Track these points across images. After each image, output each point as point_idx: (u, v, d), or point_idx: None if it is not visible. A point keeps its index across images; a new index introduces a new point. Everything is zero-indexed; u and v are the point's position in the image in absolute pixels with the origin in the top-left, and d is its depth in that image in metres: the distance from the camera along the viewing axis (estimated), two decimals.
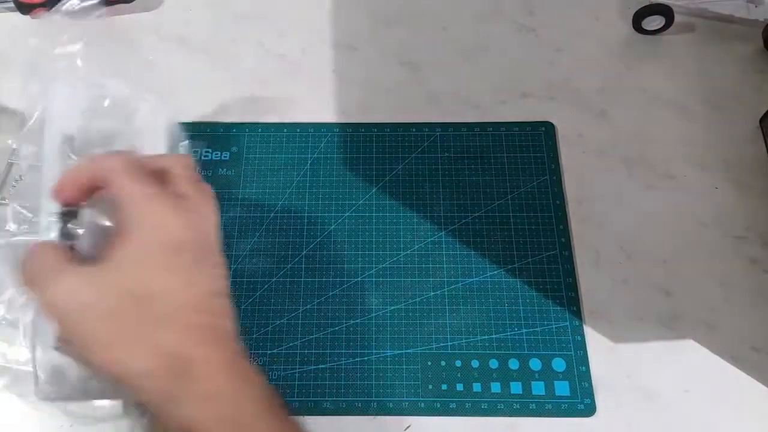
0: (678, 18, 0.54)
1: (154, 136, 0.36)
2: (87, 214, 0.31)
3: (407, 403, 0.42)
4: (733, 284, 0.45)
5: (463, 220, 0.48)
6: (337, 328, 0.44)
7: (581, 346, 0.43)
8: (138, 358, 0.27)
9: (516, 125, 0.52)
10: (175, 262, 0.28)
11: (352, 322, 0.44)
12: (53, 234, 0.31)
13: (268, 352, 0.43)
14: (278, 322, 0.44)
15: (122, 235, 0.28)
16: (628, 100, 0.53)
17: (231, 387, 0.28)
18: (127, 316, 0.27)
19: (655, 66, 0.55)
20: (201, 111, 0.53)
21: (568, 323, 0.44)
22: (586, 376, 0.42)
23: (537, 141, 0.51)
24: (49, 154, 0.34)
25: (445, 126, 0.52)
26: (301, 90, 0.54)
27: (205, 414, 0.27)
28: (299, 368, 0.43)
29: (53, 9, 0.37)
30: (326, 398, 0.42)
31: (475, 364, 0.43)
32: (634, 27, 0.56)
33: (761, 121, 0.51)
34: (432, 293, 0.45)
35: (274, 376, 0.42)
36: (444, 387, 0.42)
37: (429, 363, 0.43)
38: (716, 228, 0.47)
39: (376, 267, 0.46)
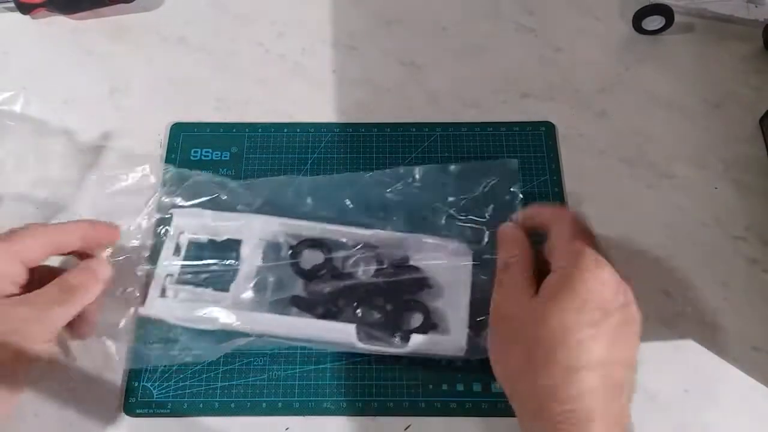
0: (678, 18, 0.54)
1: None
2: None
3: (408, 403, 0.42)
4: (733, 284, 0.45)
5: None
6: None
7: None
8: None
9: (516, 125, 0.52)
10: None
11: None
12: None
13: (269, 352, 0.43)
14: None
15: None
16: (628, 100, 0.53)
17: None
18: None
19: (655, 66, 0.55)
20: (201, 111, 0.53)
21: None
22: None
23: (537, 141, 0.51)
24: None
25: (445, 126, 0.52)
26: (301, 90, 0.54)
27: None
28: (299, 368, 0.43)
29: None
30: (326, 398, 0.42)
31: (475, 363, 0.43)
32: (634, 27, 0.56)
33: (761, 121, 0.51)
34: None
35: (274, 375, 0.42)
36: (444, 387, 0.42)
37: (429, 363, 0.43)
38: (716, 228, 0.47)
39: None
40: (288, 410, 0.42)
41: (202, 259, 0.44)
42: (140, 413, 0.42)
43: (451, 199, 0.46)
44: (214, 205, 0.46)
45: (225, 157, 0.51)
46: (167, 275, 0.44)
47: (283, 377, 0.43)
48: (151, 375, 0.42)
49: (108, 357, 0.42)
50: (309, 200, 0.46)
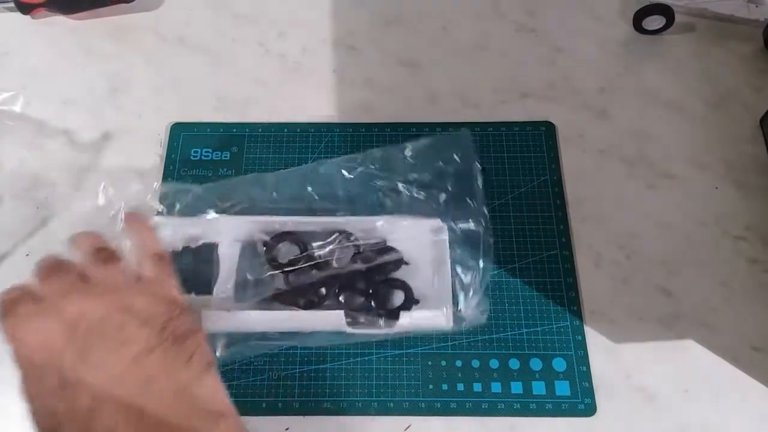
0: (678, 18, 0.54)
1: None
2: None
3: (408, 403, 0.42)
4: (733, 284, 0.45)
5: None
6: None
7: (581, 345, 0.43)
8: None
9: (516, 125, 0.52)
10: None
11: None
12: None
13: (269, 352, 0.43)
14: None
15: None
16: (628, 100, 0.53)
17: None
18: None
19: (655, 66, 0.55)
20: (201, 111, 0.53)
21: (568, 323, 0.44)
22: (586, 376, 0.42)
23: (537, 141, 0.51)
24: None
25: (445, 126, 0.52)
26: (301, 90, 0.54)
27: None
28: (299, 368, 0.43)
29: None
30: (326, 398, 0.42)
31: (475, 364, 0.43)
32: (634, 27, 0.56)
33: (761, 121, 0.51)
34: None
35: (275, 375, 0.42)
36: (444, 387, 0.42)
37: (429, 363, 0.43)
38: (716, 228, 0.47)
39: None
40: (288, 410, 0.42)
41: (179, 267, 0.39)
42: None
43: (413, 176, 0.47)
44: (191, 211, 0.45)
45: (225, 157, 0.51)
46: None
47: (283, 377, 0.43)
48: None
49: None
50: (275, 195, 0.47)
